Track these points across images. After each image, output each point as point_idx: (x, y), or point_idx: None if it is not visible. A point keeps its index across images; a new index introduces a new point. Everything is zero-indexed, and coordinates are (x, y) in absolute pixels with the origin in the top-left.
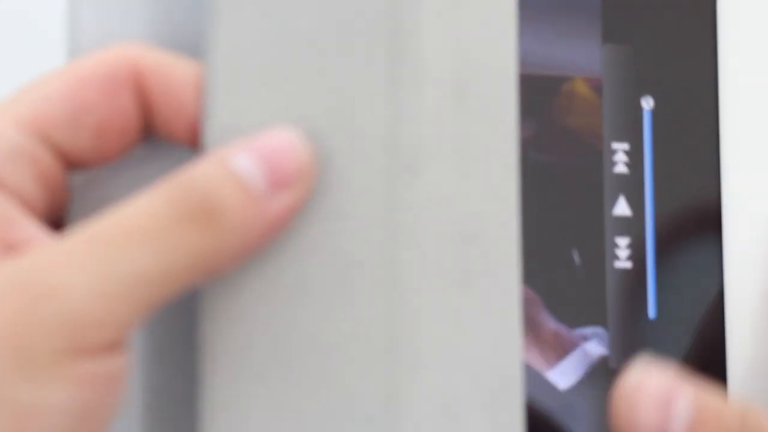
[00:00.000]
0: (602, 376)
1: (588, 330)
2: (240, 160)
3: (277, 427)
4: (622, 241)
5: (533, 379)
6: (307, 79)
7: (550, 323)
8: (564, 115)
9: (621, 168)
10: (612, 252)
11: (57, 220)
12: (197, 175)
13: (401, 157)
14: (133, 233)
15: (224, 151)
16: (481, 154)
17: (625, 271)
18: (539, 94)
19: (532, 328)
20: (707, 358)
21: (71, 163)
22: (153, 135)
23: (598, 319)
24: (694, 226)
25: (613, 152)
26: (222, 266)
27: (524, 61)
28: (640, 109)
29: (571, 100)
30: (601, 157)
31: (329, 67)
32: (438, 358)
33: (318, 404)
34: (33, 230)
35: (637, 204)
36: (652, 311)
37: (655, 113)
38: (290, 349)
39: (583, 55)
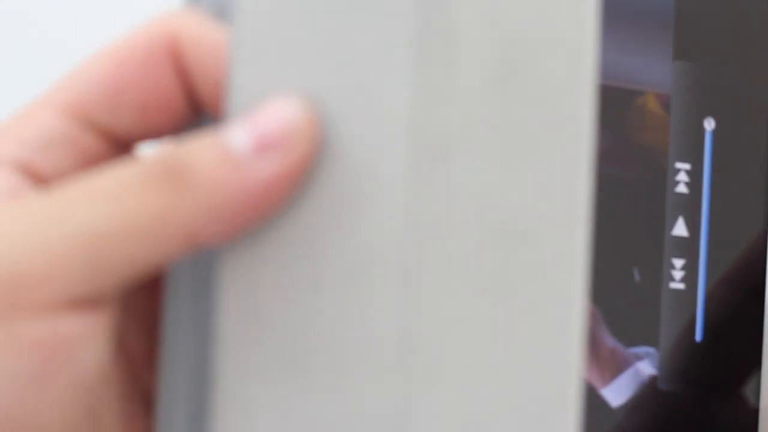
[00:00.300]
0: (651, 396)
1: (641, 349)
2: (230, 130)
3: (284, 428)
4: (678, 263)
5: (588, 395)
6: (327, 52)
7: (609, 340)
8: (635, 130)
9: (682, 188)
10: (668, 272)
11: None
12: (182, 146)
13: (428, 142)
14: (91, 193)
15: (227, 123)
16: (538, 144)
17: (678, 292)
18: (614, 107)
19: (592, 344)
20: (745, 384)
21: (121, 143)
22: (204, 108)
23: (651, 339)
24: (744, 255)
25: (676, 171)
26: (201, 234)
27: (599, 71)
28: (702, 129)
29: (643, 116)
30: (665, 176)
31: (350, 40)
32: (463, 370)
33: (326, 409)
34: None
35: (694, 225)
36: (699, 334)
37: (716, 135)
38: (302, 348)
39: (655, 70)
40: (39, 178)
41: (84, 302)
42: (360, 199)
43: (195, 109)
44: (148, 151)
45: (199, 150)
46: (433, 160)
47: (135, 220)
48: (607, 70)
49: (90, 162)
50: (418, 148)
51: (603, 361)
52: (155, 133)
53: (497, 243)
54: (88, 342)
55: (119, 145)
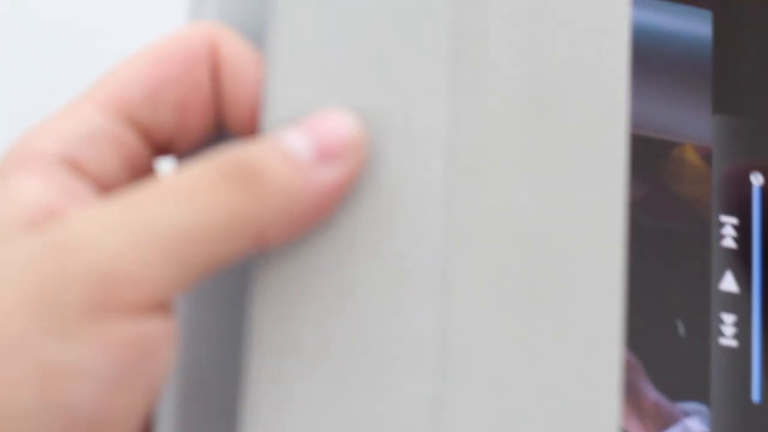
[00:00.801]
0: None
1: (690, 405)
2: (288, 136)
3: (316, 427)
4: (729, 318)
5: None
6: (365, 73)
7: (651, 393)
8: (673, 180)
9: (729, 242)
10: (717, 328)
11: None
12: (245, 148)
13: (462, 159)
14: (171, 193)
15: (275, 132)
16: (568, 170)
17: (730, 349)
18: (649, 157)
19: (633, 396)
20: None
21: (156, 145)
22: (222, 122)
23: (701, 396)
24: None
25: (722, 225)
26: (269, 234)
27: (635, 121)
28: (749, 184)
29: (681, 167)
30: (709, 229)
31: (388, 62)
32: (495, 376)
33: (360, 409)
34: None
35: (744, 281)
36: (756, 394)
37: (765, 191)
38: (336, 348)
39: (694, 122)
40: (83, 173)
41: (167, 304)
42: (397, 209)
43: (216, 122)
44: (164, 168)
45: (265, 153)
46: (468, 176)
47: (213, 219)
48: (642, 119)
49: (129, 159)
50: (453, 163)
51: (646, 414)
52: (187, 138)
53: (528, 257)
54: (166, 345)
55: (155, 147)
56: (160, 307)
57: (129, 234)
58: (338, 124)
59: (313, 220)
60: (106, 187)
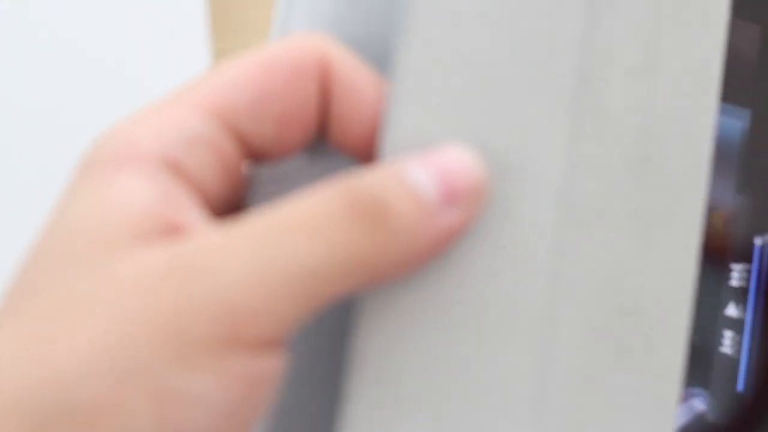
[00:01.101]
0: (700, 425)
1: (695, 390)
2: (414, 171)
3: None
4: (728, 334)
5: None
6: (491, 110)
7: None
8: (706, 240)
9: (735, 282)
10: (719, 341)
11: (233, 210)
12: (369, 179)
13: (574, 210)
14: (298, 228)
15: (400, 161)
16: (661, 226)
17: (727, 356)
18: None
19: None
20: None
21: (252, 154)
22: (325, 136)
23: (704, 384)
24: None
25: (731, 270)
26: (386, 273)
27: None
28: (753, 243)
29: (711, 230)
30: (722, 273)
31: (513, 103)
32: (581, 426)
33: None
34: (199, 217)
35: (743, 309)
36: (741, 387)
37: (763, 248)
38: (438, 384)
39: (721, 197)
40: (183, 177)
41: (281, 340)
42: (507, 250)
43: (318, 136)
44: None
45: (392, 189)
46: (577, 225)
47: (339, 257)
48: None
49: (224, 165)
50: (564, 214)
51: None
52: (284, 148)
53: (619, 313)
54: (275, 380)
55: (248, 154)
56: (276, 343)
57: (258, 268)
58: (465, 164)
59: (428, 259)
60: (203, 192)
